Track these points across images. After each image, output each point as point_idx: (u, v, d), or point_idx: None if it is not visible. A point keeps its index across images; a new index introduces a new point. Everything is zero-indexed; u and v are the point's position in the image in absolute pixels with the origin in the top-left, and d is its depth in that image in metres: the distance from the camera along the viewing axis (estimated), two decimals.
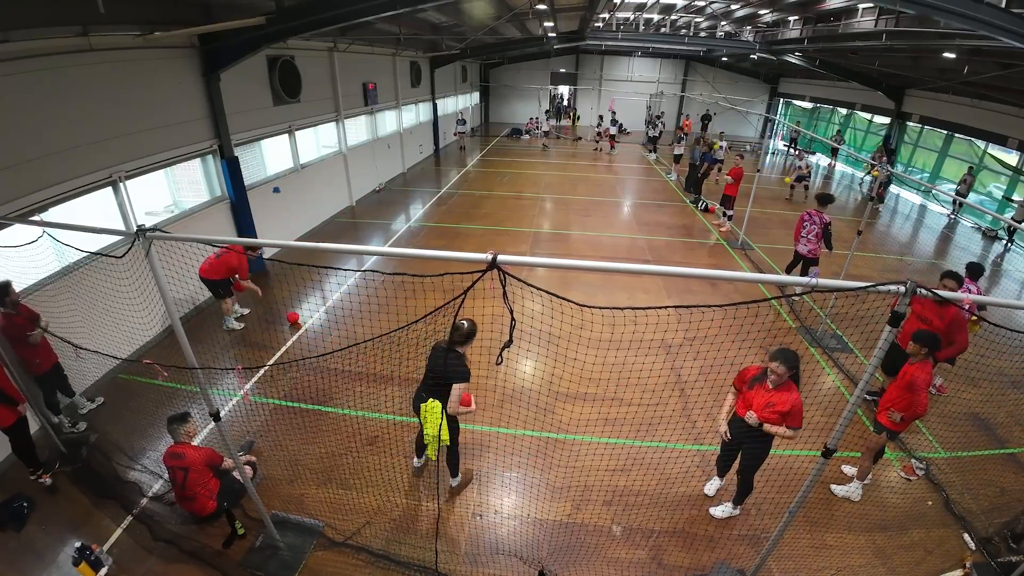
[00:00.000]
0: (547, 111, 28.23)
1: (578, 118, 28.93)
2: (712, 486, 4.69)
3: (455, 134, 22.32)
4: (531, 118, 27.81)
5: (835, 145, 19.07)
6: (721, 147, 11.56)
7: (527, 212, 13.17)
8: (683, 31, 20.16)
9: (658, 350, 6.27)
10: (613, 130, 22.42)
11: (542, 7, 12.74)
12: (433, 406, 3.93)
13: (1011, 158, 13.31)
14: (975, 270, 5.88)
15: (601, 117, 24.97)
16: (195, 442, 4.19)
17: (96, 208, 6.05)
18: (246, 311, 7.41)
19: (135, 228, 2.70)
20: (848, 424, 2.70)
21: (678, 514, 4.45)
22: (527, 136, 25.74)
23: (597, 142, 23.05)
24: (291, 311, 7.40)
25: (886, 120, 18.22)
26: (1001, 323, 2.99)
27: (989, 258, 11.76)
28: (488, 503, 4.60)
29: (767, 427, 3.79)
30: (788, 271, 8.33)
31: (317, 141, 11.68)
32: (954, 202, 14.41)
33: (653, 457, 4.93)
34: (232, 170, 8.12)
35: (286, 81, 9.35)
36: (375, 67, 14.03)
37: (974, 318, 5.53)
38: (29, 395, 4.63)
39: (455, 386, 3.85)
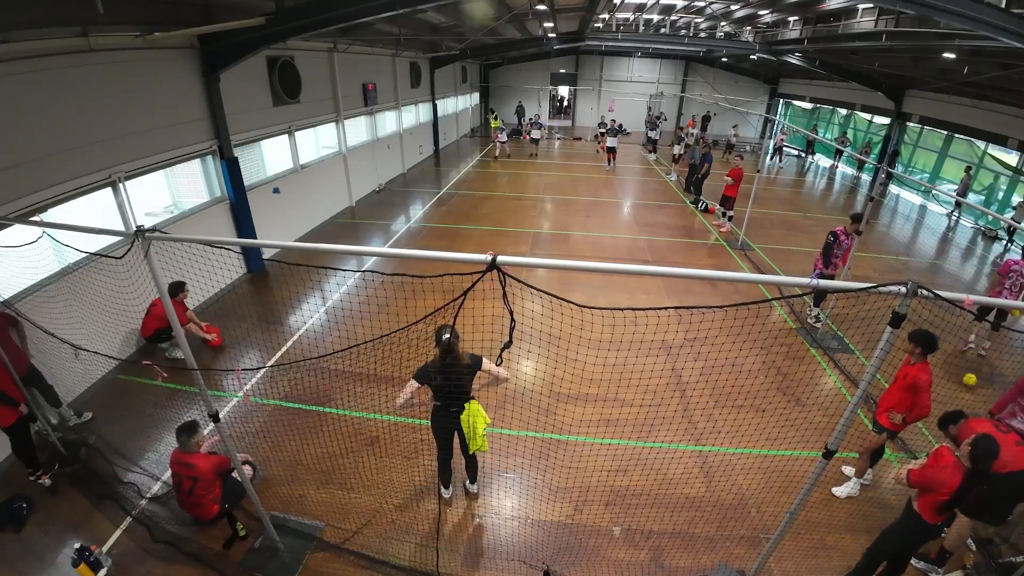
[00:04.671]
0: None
1: (496, 117, 26.20)
2: None
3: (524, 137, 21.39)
4: (530, 119, 27.78)
5: (839, 147, 19.11)
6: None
7: (527, 213, 13.17)
8: (683, 32, 20.15)
9: (658, 351, 6.27)
10: (612, 142, 18.43)
11: (542, 8, 12.73)
12: (474, 408, 4.05)
13: (1011, 158, 13.32)
14: None
15: (603, 120, 24.44)
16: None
17: (96, 209, 6.04)
18: (179, 355, 6.67)
19: (134, 229, 2.70)
20: (849, 425, 2.70)
21: (678, 515, 4.44)
22: (540, 132, 25.58)
23: (599, 141, 22.63)
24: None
25: (886, 120, 18.23)
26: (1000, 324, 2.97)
27: (989, 259, 11.77)
28: (488, 504, 4.59)
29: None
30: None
31: (317, 142, 11.67)
32: (957, 204, 14.51)
33: (653, 458, 4.93)
34: (232, 171, 8.12)
35: (286, 82, 9.35)
36: (375, 68, 14.03)
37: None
38: (28, 396, 4.62)
39: (486, 363, 4.11)
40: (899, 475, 3.40)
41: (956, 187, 14.26)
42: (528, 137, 21.24)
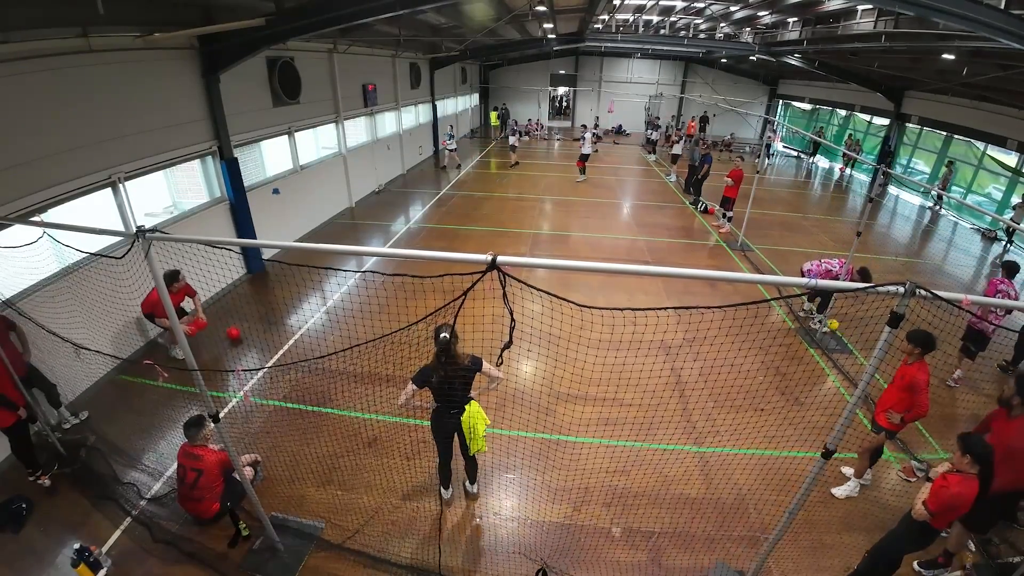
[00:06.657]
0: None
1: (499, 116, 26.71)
2: None
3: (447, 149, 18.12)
4: (529, 119, 27.91)
5: (847, 152, 19.14)
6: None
7: (527, 214, 13.17)
8: (682, 33, 20.18)
9: (658, 351, 6.28)
10: (587, 148, 16.57)
11: (541, 9, 12.75)
12: (474, 409, 4.05)
13: (1010, 159, 13.34)
14: (1011, 268, 6.15)
15: (597, 120, 24.18)
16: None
17: (96, 209, 6.04)
18: (180, 355, 6.54)
19: (135, 229, 2.70)
20: (848, 425, 2.70)
21: (677, 515, 4.44)
22: (527, 137, 25.74)
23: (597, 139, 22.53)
24: (232, 327, 6.98)
25: (885, 121, 18.25)
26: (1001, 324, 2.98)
27: (988, 259, 11.78)
28: (488, 505, 4.59)
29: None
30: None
31: (317, 142, 11.68)
32: (939, 197, 15.07)
33: (652, 458, 4.93)
34: (231, 171, 8.12)
35: (286, 82, 9.35)
36: (375, 68, 14.04)
37: None
38: (28, 397, 4.62)
39: (486, 365, 3.95)
40: (919, 512, 3.29)
41: (938, 180, 14.85)
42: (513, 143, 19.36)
